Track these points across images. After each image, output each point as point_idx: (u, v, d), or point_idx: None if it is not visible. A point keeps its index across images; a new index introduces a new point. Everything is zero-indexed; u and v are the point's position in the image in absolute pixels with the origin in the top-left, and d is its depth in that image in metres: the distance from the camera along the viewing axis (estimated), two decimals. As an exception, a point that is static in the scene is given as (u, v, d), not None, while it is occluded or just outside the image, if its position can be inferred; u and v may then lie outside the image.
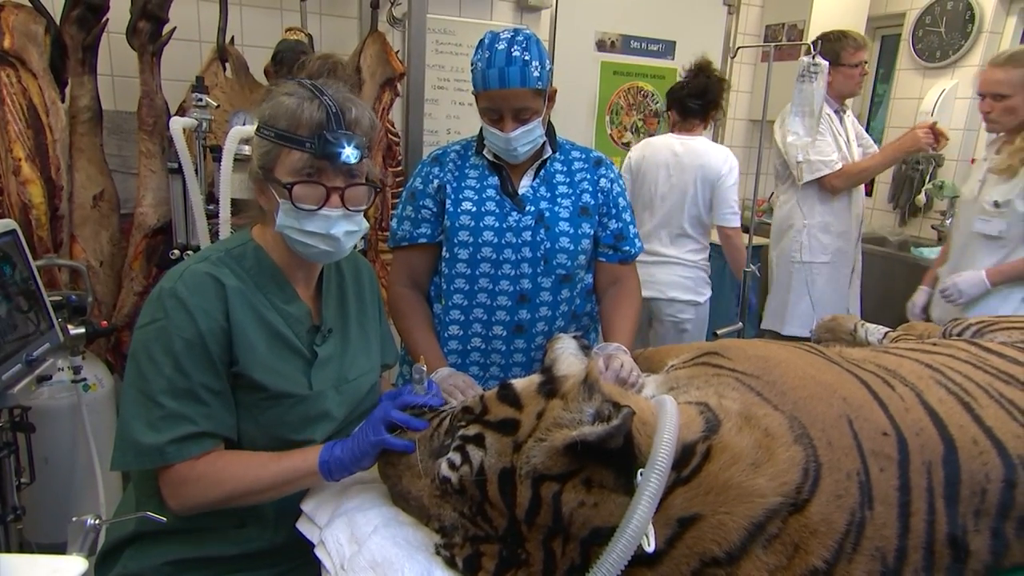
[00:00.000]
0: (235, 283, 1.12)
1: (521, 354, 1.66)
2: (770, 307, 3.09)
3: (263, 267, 1.17)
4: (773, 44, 3.20)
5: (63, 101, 2.19)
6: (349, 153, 1.08)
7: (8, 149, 2.06)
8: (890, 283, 2.75)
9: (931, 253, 3.30)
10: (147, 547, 1.17)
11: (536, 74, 1.48)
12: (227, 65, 2.46)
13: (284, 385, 1.14)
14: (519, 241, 1.59)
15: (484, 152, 1.63)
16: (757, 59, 4.11)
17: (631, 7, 3.56)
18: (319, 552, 1.06)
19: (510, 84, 1.47)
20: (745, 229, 2.86)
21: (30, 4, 2.12)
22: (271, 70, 2.38)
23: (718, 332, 2.78)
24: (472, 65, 1.53)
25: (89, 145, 2.25)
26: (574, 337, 1.62)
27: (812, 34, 3.17)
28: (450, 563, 0.93)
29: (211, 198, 2.10)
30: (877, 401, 1.00)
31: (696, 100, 2.66)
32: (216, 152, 2.03)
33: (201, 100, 2.09)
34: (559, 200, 1.64)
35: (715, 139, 3.79)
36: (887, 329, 1.72)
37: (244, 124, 1.88)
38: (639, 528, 0.77)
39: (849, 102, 2.97)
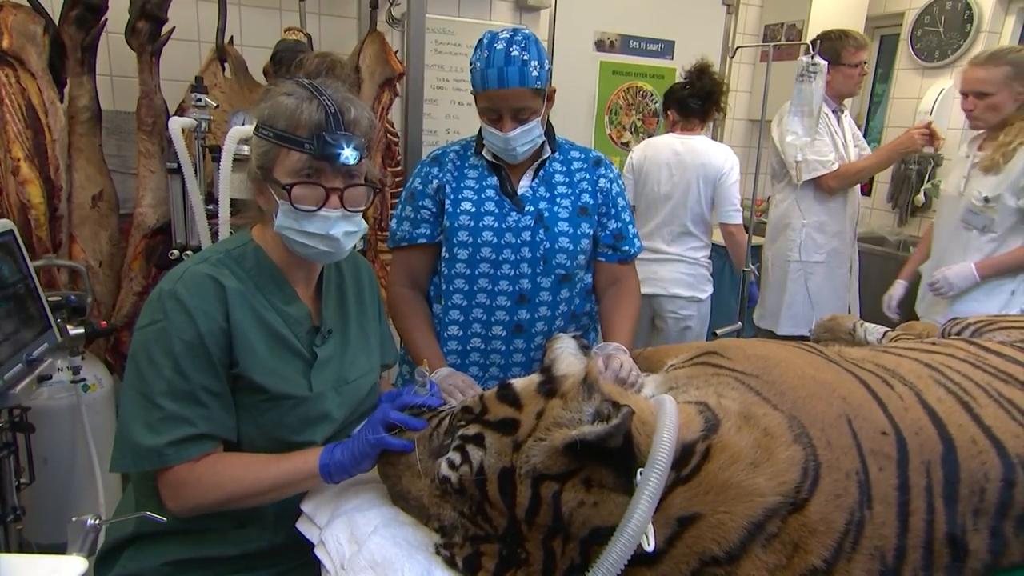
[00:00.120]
0: (235, 284, 1.12)
1: (520, 354, 1.66)
2: (765, 306, 3.09)
3: (263, 268, 1.17)
4: (772, 44, 3.19)
5: (62, 101, 2.19)
6: (348, 154, 1.08)
7: (7, 149, 2.06)
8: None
9: (930, 253, 3.30)
10: (147, 547, 1.17)
11: (535, 74, 1.48)
12: (226, 65, 2.46)
13: (284, 387, 1.14)
14: (518, 241, 1.59)
15: (483, 152, 1.63)
16: (756, 59, 4.11)
17: (630, 7, 3.56)
18: (319, 552, 1.06)
19: (509, 84, 1.47)
20: (745, 229, 2.86)
21: (29, 4, 2.12)
22: (270, 70, 2.38)
23: (717, 332, 2.79)
24: (471, 65, 1.53)
25: (88, 145, 2.24)
26: (573, 337, 1.62)
27: (811, 34, 3.17)
28: (450, 563, 0.93)
29: (210, 198, 2.10)
30: (876, 400, 1.01)
31: (698, 100, 2.70)
32: (215, 152, 2.03)
33: (200, 100, 2.08)
34: (558, 200, 1.64)
35: (714, 139, 3.79)
36: (886, 329, 1.72)
37: (243, 124, 1.88)
38: (639, 527, 0.77)
39: (847, 102, 2.97)
